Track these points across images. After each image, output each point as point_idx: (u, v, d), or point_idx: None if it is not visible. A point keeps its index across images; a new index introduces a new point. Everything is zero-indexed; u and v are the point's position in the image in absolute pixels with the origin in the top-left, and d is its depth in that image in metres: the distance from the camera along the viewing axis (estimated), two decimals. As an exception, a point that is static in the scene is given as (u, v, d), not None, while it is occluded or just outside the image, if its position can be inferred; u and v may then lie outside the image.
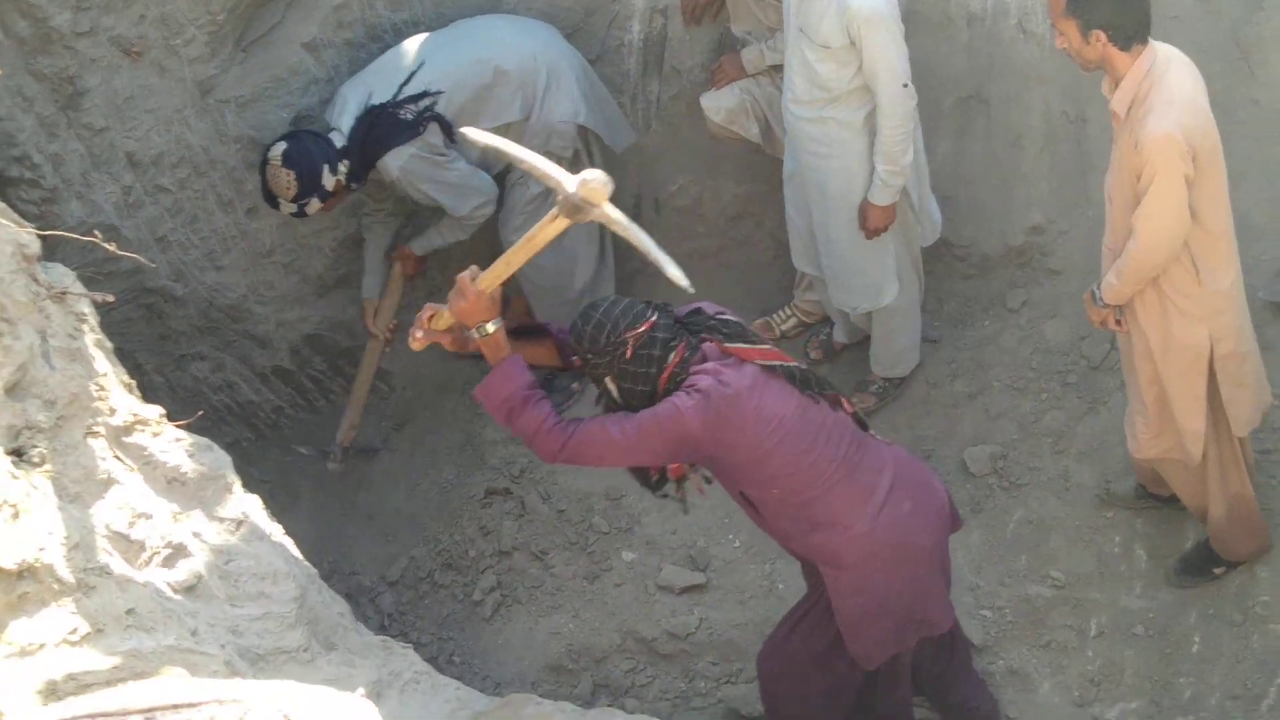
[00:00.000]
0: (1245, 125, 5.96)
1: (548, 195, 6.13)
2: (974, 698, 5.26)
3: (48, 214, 5.53)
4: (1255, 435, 5.40)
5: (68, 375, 3.71)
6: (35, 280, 3.75)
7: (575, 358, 4.52)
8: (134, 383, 4.14)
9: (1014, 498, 5.94)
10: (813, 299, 6.43)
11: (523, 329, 4.66)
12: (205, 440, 4.20)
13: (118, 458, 3.78)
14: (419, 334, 4.37)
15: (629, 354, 4.31)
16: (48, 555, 3.27)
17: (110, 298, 4.13)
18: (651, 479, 4.65)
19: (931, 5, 6.15)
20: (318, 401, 6.81)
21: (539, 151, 5.87)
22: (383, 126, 5.71)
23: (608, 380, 4.40)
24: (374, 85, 5.81)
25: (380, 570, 6.37)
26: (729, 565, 5.99)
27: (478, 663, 5.96)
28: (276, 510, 4.54)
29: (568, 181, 4.00)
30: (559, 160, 5.99)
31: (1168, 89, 4.57)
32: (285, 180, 5.63)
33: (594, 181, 3.97)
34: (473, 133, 4.77)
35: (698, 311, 4.50)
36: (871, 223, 5.67)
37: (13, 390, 3.49)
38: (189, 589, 3.74)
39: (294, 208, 5.71)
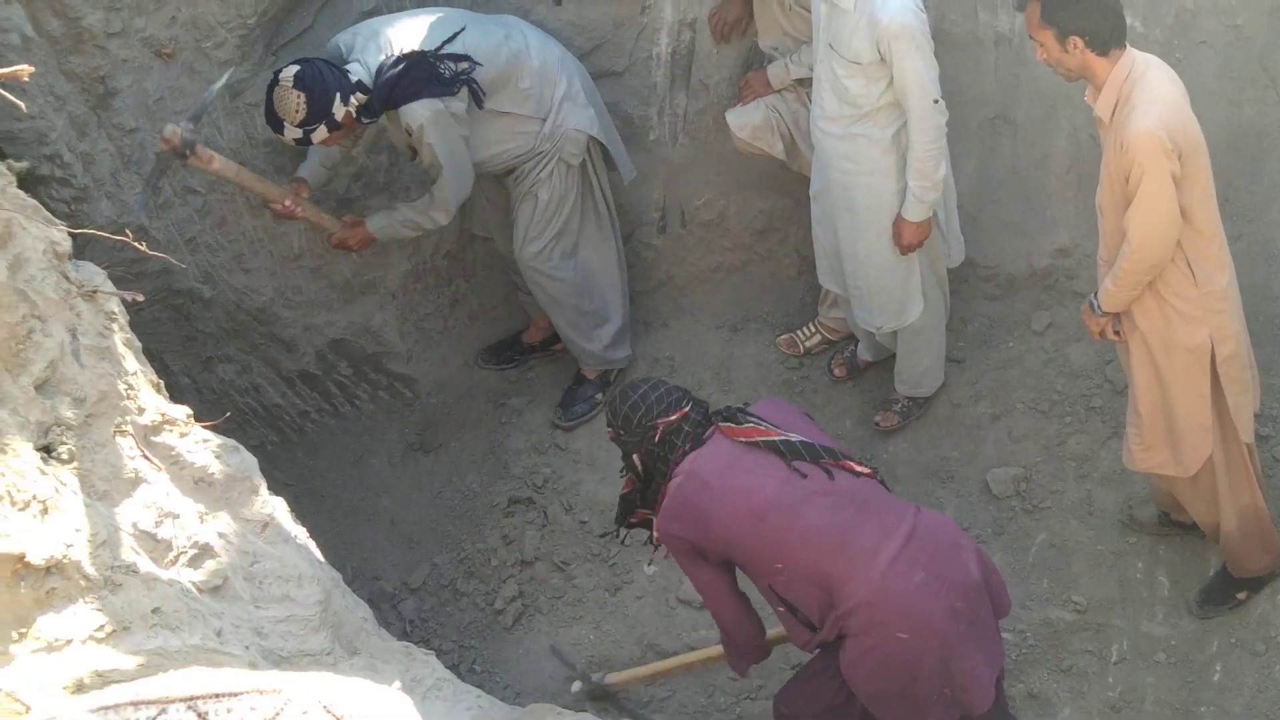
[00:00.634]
0: (1273, 151, 5.91)
1: (581, 202, 6.14)
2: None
3: (78, 212, 5.51)
4: (1262, 444, 5.43)
5: (97, 373, 3.70)
6: (66, 278, 3.74)
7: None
8: (162, 383, 4.16)
9: (1036, 520, 5.90)
10: (838, 316, 6.39)
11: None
12: (232, 442, 4.20)
13: (145, 457, 3.77)
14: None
15: (657, 438, 4.55)
16: (75, 552, 3.26)
17: (140, 297, 4.12)
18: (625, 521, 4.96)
19: (959, 25, 6.13)
20: (343, 407, 6.79)
21: (550, 156, 5.93)
22: (420, 73, 5.60)
23: (635, 457, 4.65)
24: (411, 32, 5.70)
25: (402, 576, 6.34)
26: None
27: (499, 671, 5.94)
28: (300, 514, 4.52)
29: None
30: (566, 167, 5.99)
31: (1149, 89, 4.64)
32: (295, 102, 5.45)
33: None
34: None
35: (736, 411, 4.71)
36: (906, 239, 5.64)
37: (43, 387, 3.47)
38: (214, 589, 3.73)
39: (299, 133, 5.52)
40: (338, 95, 5.49)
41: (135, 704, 1.03)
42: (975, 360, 6.30)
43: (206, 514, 3.88)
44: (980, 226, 6.20)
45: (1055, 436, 5.99)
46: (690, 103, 6.52)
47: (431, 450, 6.65)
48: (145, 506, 3.64)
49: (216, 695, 1.04)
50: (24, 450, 3.31)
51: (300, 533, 4.34)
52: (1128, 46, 4.71)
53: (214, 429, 4.14)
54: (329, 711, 1.06)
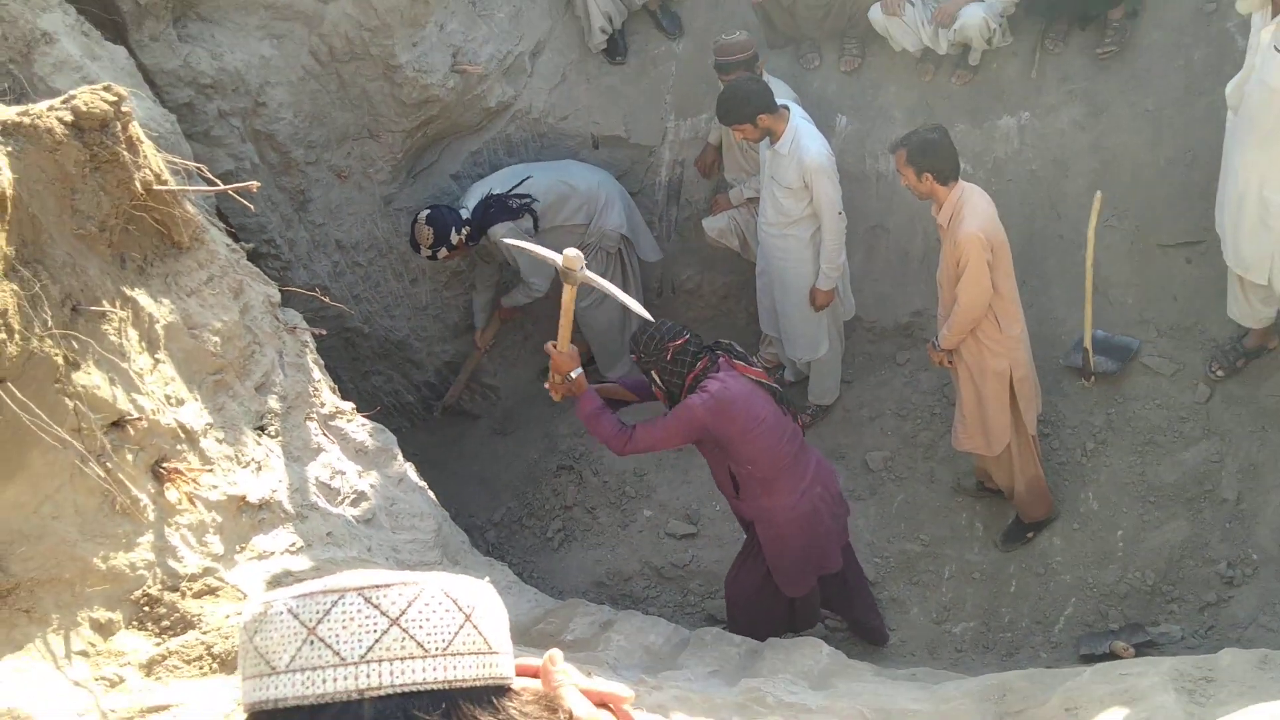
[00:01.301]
0: (1053, 252, 5.91)
1: (613, 275, 6.15)
2: (867, 614, 5.18)
3: (284, 277, 5.56)
4: (1043, 435, 5.43)
5: (294, 380, 3.72)
6: (276, 318, 3.76)
7: (634, 355, 4.43)
8: (335, 387, 4.16)
9: (898, 486, 5.89)
10: (772, 351, 6.36)
11: (606, 391, 4.62)
12: (380, 425, 4.22)
13: (324, 434, 3.79)
14: (553, 393, 4.33)
15: (669, 356, 4.29)
16: (278, 495, 3.27)
17: (323, 332, 4.15)
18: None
19: (854, 165, 6.13)
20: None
21: (595, 247, 5.97)
22: (497, 207, 5.67)
23: (653, 372, 4.35)
24: (494, 184, 5.77)
25: (487, 515, 6.33)
26: (712, 521, 5.93)
27: (548, 579, 5.92)
28: (423, 473, 4.53)
29: (557, 257, 3.83)
30: (606, 254, 6.01)
31: (972, 206, 4.69)
32: (426, 234, 5.55)
33: (570, 253, 3.81)
34: (507, 239, 5.00)
35: (718, 341, 4.52)
36: (819, 301, 5.63)
37: (259, 388, 3.50)
38: (367, 521, 3.74)
39: (429, 252, 5.61)
40: (453, 228, 5.57)
41: (325, 592, 1.05)
42: (860, 381, 6.30)
43: (362, 472, 3.90)
44: (865, 295, 6.20)
45: (910, 431, 5.99)
46: (679, 213, 6.54)
47: (507, 433, 6.65)
48: (324, 466, 3.66)
49: (375, 586, 1.06)
50: (246, 429, 3.34)
51: (422, 485, 4.35)
52: (960, 180, 4.75)
53: (368, 417, 4.18)
54: (447, 595, 1.08)
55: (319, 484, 3.56)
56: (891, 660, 5.12)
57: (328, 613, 1.03)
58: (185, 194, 3.25)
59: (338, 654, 1.02)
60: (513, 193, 5.70)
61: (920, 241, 6.16)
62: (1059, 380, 5.67)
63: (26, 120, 2.67)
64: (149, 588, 2.79)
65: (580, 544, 6.07)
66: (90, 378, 2.70)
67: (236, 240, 4.13)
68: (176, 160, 3.33)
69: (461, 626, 1.06)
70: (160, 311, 3.07)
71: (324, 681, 1.01)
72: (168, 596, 2.80)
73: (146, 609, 2.77)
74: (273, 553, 3.13)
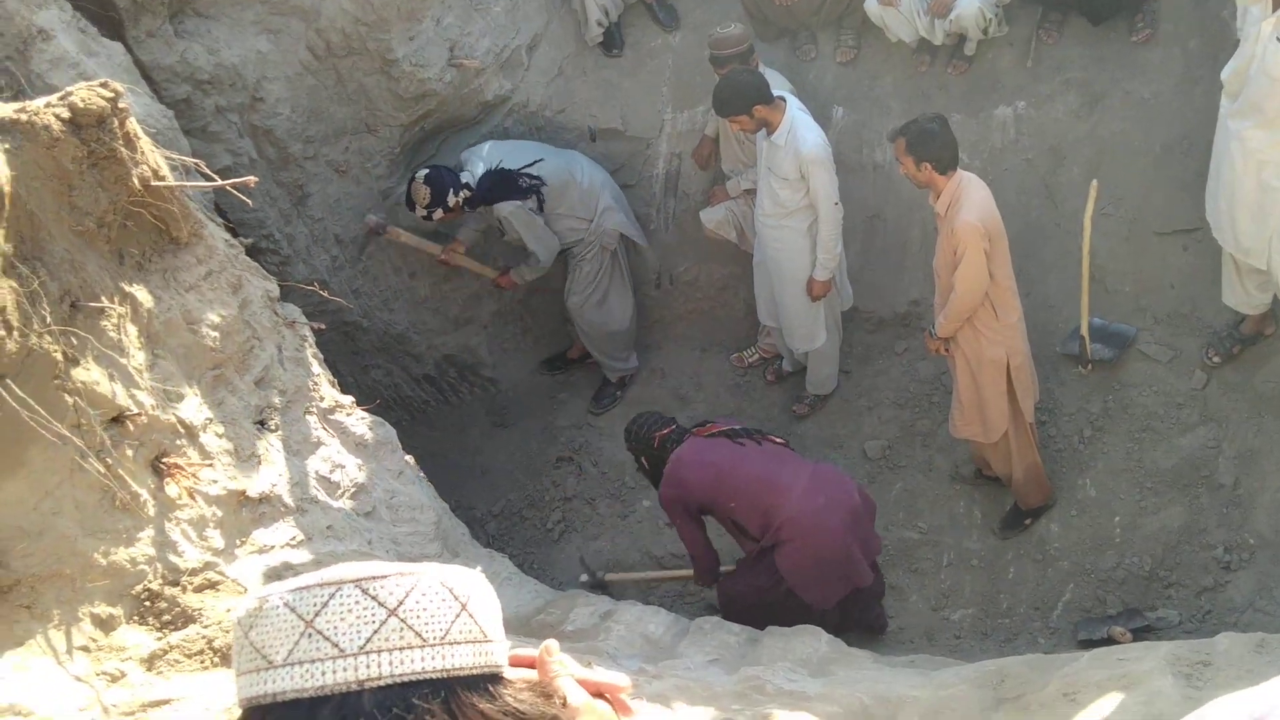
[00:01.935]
0: (1050, 240, 5.90)
1: (611, 272, 6.15)
2: (871, 610, 5.17)
3: (283, 272, 5.54)
4: (1040, 423, 5.42)
5: (294, 374, 3.72)
6: (275, 313, 3.76)
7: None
8: (335, 381, 4.15)
9: (896, 474, 5.88)
10: (770, 342, 6.37)
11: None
12: (379, 419, 4.21)
13: (324, 428, 3.79)
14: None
15: (656, 445, 4.71)
16: (278, 489, 3.27)
17: (322, 326, 4.15)
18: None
19: (851, 156, 6.11)
20: (451, 398, 6.76)
21: (594, 244, 5.93)
22: (506, 182, 5.65)
23: (642, 459, 4.81)
24: (505, 156, 5.73)
25: (487, 507, 6.32)
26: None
27: (548, 570, 5.91)
28: (423, 465, 4.53)
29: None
30: (605, 250, 6.03)
31: (970, 195, 4.70)
32: (423, 193, 5.52)
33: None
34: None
35: (703, 423, 4.85)
36: (815, 292, 5.62)
37: (260, 382, 3.49)
38: (367, 514, 3.74)
39: (424, 212, 5.57)
40: (451, 190, 5.53)
41: (321, 585, 1.04)
42: (858, 371, 6.29)
43: (362, 465, 3.89)
44: (862, 285, 6.19)
45: (908, 420, 5.98)
46: (676, 205, 6.52)
47: (508, 426, 6.64)
48: (323, 460, 3.66)
49: (371, 577, 1.06)
50: (247, 423, 3.34)
51: (422, 478, 4.35)
52: (959, 169, 4.74)
53: (368, 411, 4.17)
54: (443, 584, 1.08)
55: (319, 478, 3.55)
56: (890, 648, 5.11)
57: (325, 605, 1.03)
58: (183, 190, 3.25)
59: (337, 646, 1.02)
60: (524, 170, 5.68)
61: (917, 231, 6.14)
62: (1056, 368, 5.67)
63: (24, 117, 2.66)
64: (150, 583, 2.79)
65: (580, 534, 6.06)
66: (89, 374, 2.70)
67: (235, 235, 4.12)
68: (174, 156, 3.32)
69: (458, 615, 1.06)
70: (159, 307, 3.07)
71: (323, 674, 1.01)
72: (168, 591, 2.80)
73: (147, 604, 2.77)
74: (273, 547, 3.13)
